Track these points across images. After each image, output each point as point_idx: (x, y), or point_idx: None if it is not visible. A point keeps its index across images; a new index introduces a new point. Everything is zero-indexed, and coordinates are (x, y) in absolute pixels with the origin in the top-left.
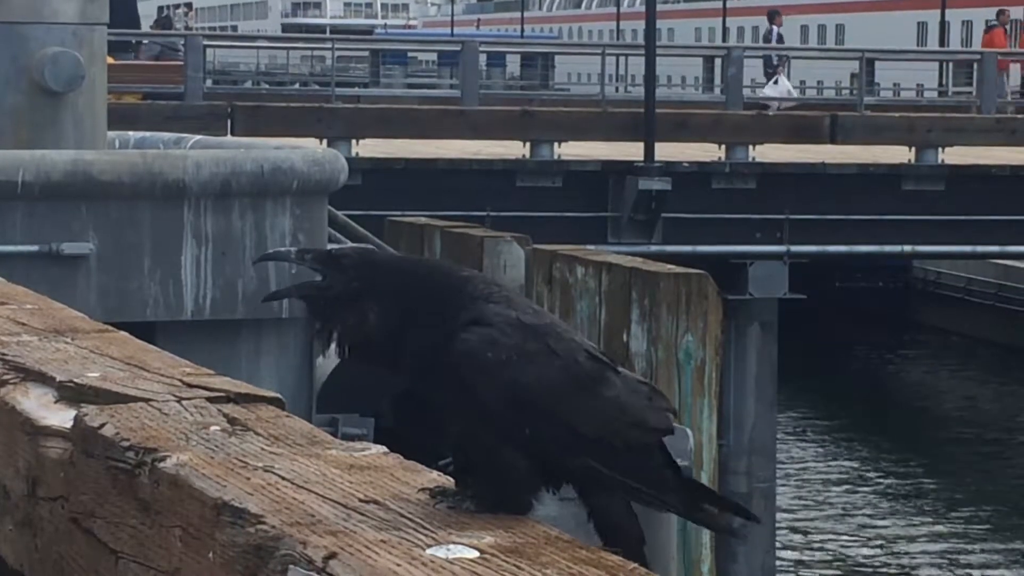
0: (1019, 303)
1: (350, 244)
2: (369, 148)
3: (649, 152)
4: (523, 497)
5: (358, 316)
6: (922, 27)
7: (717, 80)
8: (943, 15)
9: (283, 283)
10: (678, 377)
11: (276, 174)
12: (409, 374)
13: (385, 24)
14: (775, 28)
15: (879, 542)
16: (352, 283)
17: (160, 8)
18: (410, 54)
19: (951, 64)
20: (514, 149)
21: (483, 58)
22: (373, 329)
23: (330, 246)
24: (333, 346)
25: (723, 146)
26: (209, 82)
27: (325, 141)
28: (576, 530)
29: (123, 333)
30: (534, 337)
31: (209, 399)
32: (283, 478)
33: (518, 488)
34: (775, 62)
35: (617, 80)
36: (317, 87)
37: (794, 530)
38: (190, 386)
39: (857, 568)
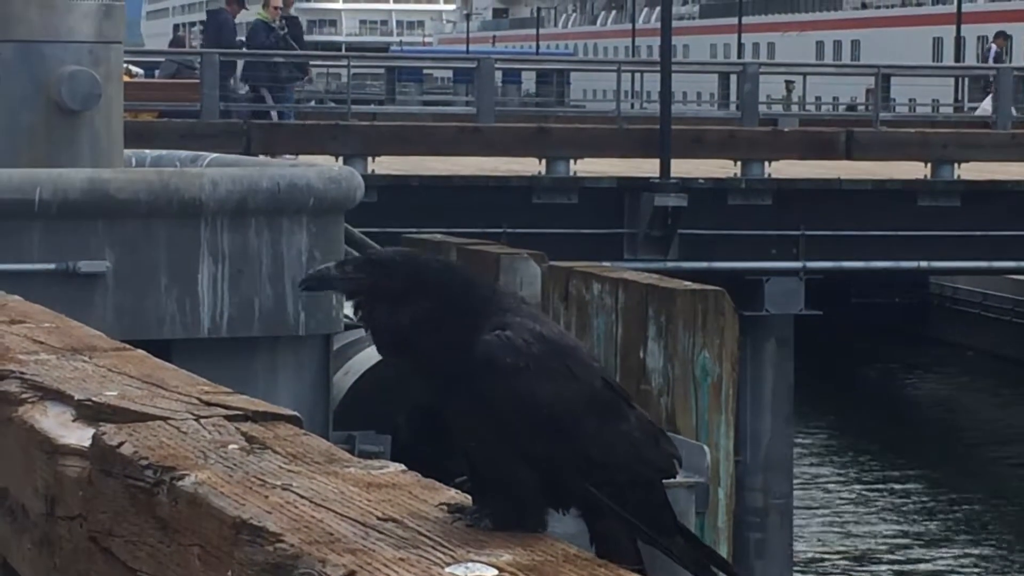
0: None
1: (391, 247)
2: (385, 165)
3: (665, 168)
4: (535, 514)
5: (395, 316)
6: (937, 43)
7: (732, 96)
8: (959, 31)
9: (302, 300)
10: (695, 394)
11: (292, 192)
12: (431, 378)
13: (400, 41)
14: (993, 47)
15: (896, 559)
16: (395, 284)
17: (176, 27)
18: (426, 71)
19: (967, 80)
20: (530, 166)
21: (499, 75)
22: (408, 329)
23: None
24: (372, 344)
25: (739, 162)
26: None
27: (341, 158)
28: None
29: (140, 351)
30: (554, 352)
31: (227, 417)
32: (301, 496)
33: (530, 504)
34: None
35: (632, 96)
36: (333, 104)
37: (810, 546)
38: (208, 404)
39: None
